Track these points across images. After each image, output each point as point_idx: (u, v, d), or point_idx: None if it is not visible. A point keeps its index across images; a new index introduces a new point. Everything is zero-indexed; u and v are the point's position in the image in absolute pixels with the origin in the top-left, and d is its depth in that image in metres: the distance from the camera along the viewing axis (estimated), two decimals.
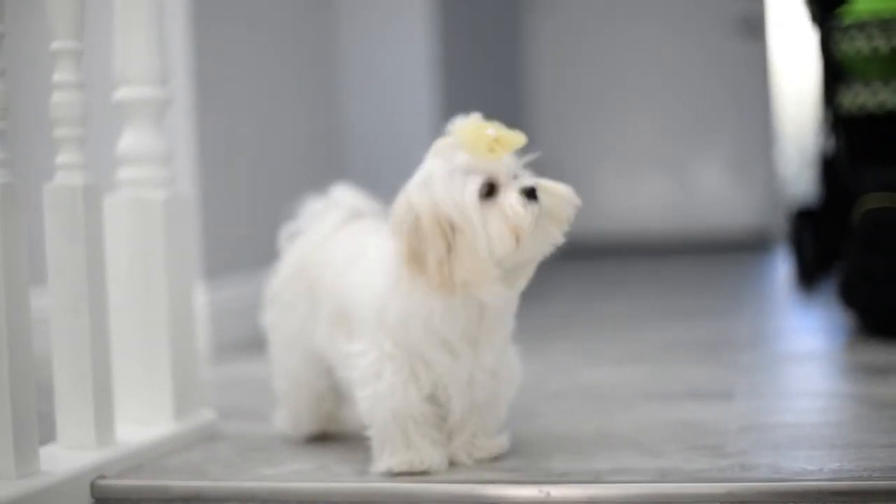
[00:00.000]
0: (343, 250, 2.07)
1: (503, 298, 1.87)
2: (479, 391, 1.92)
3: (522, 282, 1.89)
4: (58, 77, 2.04)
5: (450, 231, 1.79)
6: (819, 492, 1.74)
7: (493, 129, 1.83)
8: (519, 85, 7.18)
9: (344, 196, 2.20)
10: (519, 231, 1.79)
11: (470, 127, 1.83)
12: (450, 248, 1.79)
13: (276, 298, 2.21)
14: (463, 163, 1.82)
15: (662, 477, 1.84)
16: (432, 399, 1.92)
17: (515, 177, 1.84)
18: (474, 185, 1.80)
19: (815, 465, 1.87)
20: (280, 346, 2.21)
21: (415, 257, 1.81)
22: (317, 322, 2.09)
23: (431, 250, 1.79)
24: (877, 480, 1.76)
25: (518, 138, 1.84)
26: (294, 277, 2.17)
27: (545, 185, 1.83)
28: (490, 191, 1.81)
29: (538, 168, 1.88)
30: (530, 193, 1.80)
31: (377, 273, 1.92)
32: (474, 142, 1.81)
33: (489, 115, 1.87)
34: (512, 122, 1.88)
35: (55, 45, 2.03)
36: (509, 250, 1.80)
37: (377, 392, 1.89)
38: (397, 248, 1.84)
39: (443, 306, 1.85)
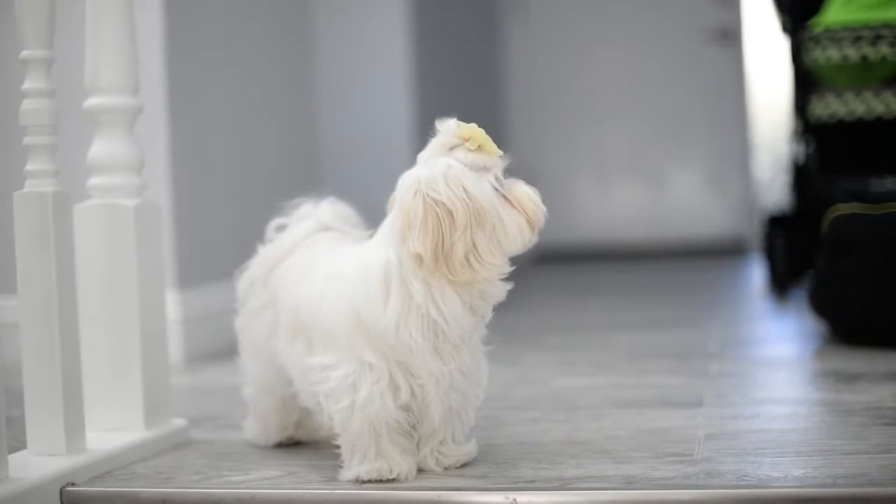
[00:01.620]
0: (301, 263, 2.08)
1: (503, 293, 1.91)
2: (454, 394, 1.93)
3: None
4: (28, 85, 2.05)
5: (476, 225, 1.82)
6: (784, 499, 1.75)
7: None
8: (495, 94, 7.20)
9: (325, 209, 2.20)
10: (538, 220, 1.86)
11: (473, 127, 1.87)
12: (475, 242, 1.82)
13: (244, 303, 2.22)
14: (471, 160, 1.85)
15: (629, 484, 1.85)
16: (406, 407, 1.93)
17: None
18: (491, 180, 1.84)
19: (780, 472, 1.88)
20: (248, 352, 2.22)
21: (441, 252, 1.81)
22: (280, 333, 2.10)
23: (461, 243, 1.81)
24: (841, 487, 1.78)
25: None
26: (259, 285, 2.18)
27: None
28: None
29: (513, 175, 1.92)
30: None
31: (349, 283, 1.91)
32: (485, 141, 1.86)
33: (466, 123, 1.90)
34: (488, 130, 1.90)
35: (25, 53, 2.04)
36: (527, 240, 1.86)
37: (354, 403, 1.88)
38: (418, 244, 1.81)
39: (452, 303, 1.85)
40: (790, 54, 4.19)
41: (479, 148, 1.86)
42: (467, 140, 1.86)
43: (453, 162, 1.84)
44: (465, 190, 1.81)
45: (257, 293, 2.18)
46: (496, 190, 1.85)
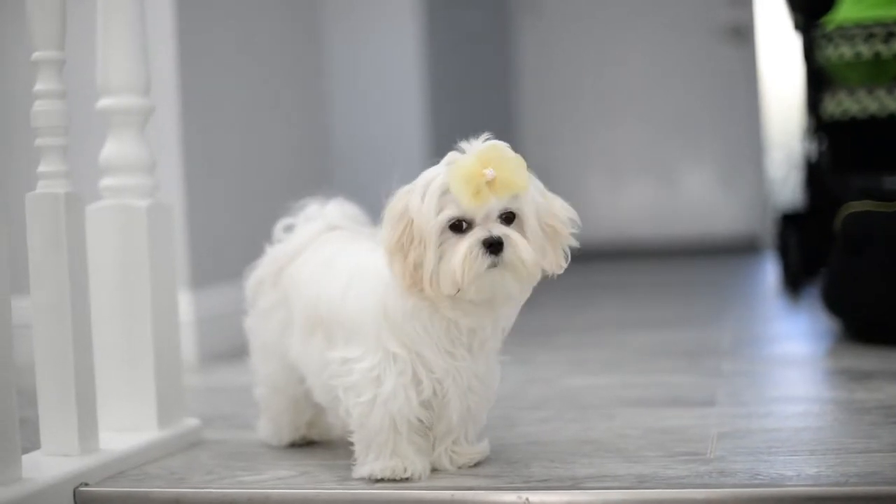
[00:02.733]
0: (315, 260, 2.09)
1: (474, 320, 1.88)
2: (473, 396, 1.94)
3: (501, 312, 1.91)
4: (39, 86, 2.05)
5: (426, 244, 1.82)
6: (796, 497, 1.75)
7: (494, 170, 1.80)
8: (507, 92, 7.19)
9: (332, 209, 2.20)
10: (457, 278, 1.79)
11: (467, 165, 1.81)
12: (423, 259, 1.82)
13: (253, 304, 2.23)
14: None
15: (641, 483, 1.85)
16: (426, 405, 1.93)
17: (505, 215, 1.83)
18: (443, 218, 1.82)
19: (793, 471, 1.88)
20: (259, 353, 2.23)
21: (398, 251, 1.83)
22: (292, 331, 2.11)
23: (415, 253, 1.82)
24: (854, 486, 1.77)
25: (518, 183, 1.82)
26: (269, 285, 2.19)
27: (514, 240, 1.81)
28: (464, 226, 1.82)
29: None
30: (492, 244, 1.79)
31: (375, 276, 1.93)
32: (463, 183, 1.80)
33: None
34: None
35: (37, 55, 2.04)
36: (449, 290, 1.81)
37: (378, 396, 1.89)
38: (385, 234, 1.86)
39: (425, 304, 1.86)
40: (802, 52, 4.18)
41: (457, 192, 1.80)
42: (456, 180, 1.81)
43: (441, 177, 1.83)
44: (420, 210, 1.82)
45: (266, 293, 2.19)
46: (457, 229, 1.82)
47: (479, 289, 1.81)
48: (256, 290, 2.22)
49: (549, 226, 1.87)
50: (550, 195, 1.90)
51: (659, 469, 1.93)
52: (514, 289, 1.84)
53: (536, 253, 1.83)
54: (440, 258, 1.81)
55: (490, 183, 1.80)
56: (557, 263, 1.88)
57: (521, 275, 1.82)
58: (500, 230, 1.81)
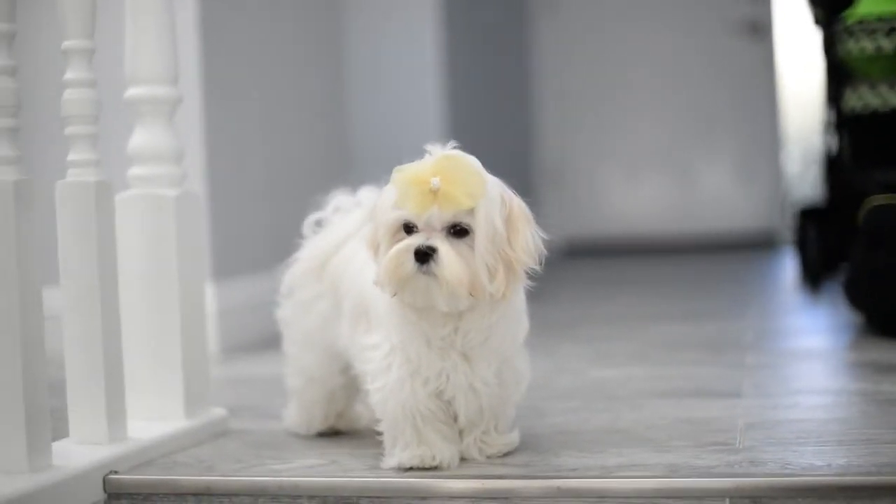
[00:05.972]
0: (364, 254, 2.09)
1: (431, 327, 1.87)
2: (482, 398, 1.93)
3: (470, 321, 1.87)
4: (69, 75, 2.05)
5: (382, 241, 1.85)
6: (827, 487, 1.75)
7: (440, 181, 1.78)
8: (525, 88, 7.18)
9: (368, 197, 2.21)
10: (381, 278, 1.82)
11: (414, 170, 1.81)
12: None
13: (292, 294, 2.23)
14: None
15: (671, 472, 1.84)
16: (440, 396, 1.93)
17: (456, 228, 1.80)
18: (392, 217, 1.83)
19: (823, 461, 1.88)
20: (296, 343, 2.23)
21: (372, 246, 1.88)
22: (340, 319, 2.11)
23: (381, 245, 1.84)
24: (884, 476, 1.77)
25: (461, 200, 1.78)
26: (313, 275, 2.19)
27: (441, 256, 1.78)
28: (413, 230, 1.82)
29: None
30: (419, 253, 1.78)
31: None
32: (406, 187, 1.80)
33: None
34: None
35: (67, 43, 2.05)
36: (387, 290, 1.83)
37: (386, 385, 1.91)
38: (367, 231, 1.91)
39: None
40: (823, 46, 4.18)
41: (399, 198, 1.81)
42: (400, 186, 1.82)
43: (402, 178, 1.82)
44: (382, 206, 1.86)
45: (309, 284, 2.19)
46: (409, 231, 1.82)
47: (411, 293, 1.81)
48: (298, 281, 2.22)
49: (505, 254, 1.82)
50: (523, 224, 1.84)
51: (689, 458, 1.93)
52: (441, 301, 1.81)
53: (480, 274, 1.79)
54: None
55: (434, 192, 1.78)
56: (506, 290, 1.83)
57: (443, 291, 1.79)
58: (437, 241, 1.79)
